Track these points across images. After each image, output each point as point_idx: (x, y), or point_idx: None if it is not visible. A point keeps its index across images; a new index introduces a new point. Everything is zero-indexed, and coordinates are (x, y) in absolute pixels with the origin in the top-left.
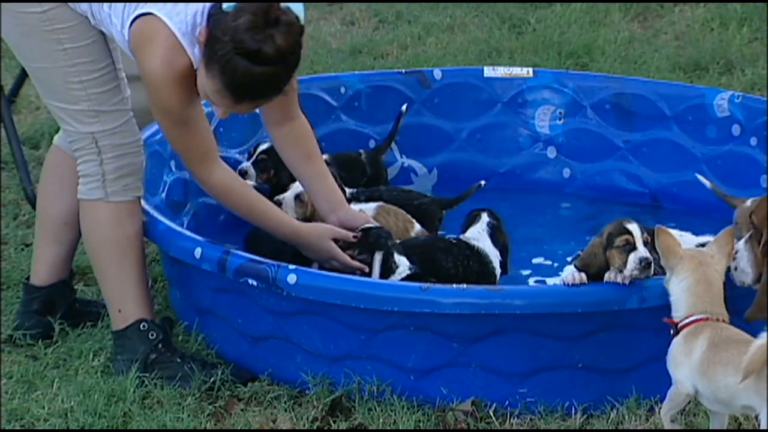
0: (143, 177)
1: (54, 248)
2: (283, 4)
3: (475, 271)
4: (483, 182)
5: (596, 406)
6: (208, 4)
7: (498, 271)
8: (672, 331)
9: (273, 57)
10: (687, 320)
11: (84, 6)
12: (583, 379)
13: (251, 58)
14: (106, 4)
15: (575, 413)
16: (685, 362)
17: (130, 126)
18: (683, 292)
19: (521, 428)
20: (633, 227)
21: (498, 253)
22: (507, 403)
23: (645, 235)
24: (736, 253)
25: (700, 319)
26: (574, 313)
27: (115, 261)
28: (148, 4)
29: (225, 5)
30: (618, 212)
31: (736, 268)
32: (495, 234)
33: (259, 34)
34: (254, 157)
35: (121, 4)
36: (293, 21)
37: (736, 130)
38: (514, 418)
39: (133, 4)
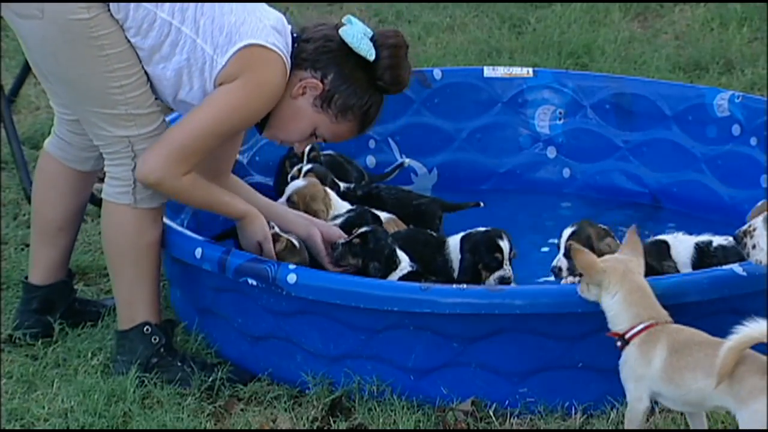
0: None
1: (50, 252)
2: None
3: (439, 263)
4: (482, 203)
5: (596, 406)
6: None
7: (455, 272)
8: (619, 344)
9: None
10: (635, 329)
11: (129, 19)
12: (583, 379)
13: (388, 91)
14: (189, 31)
15: (575, 413)
16: (646, 373)
17: (163, 129)
18: (620, 305)
19: (521, 428)
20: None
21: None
22: (507, 403)
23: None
24: (754, 230)
25: (650, 326)
26: (574, 313)
27: (133, 266)
28: (258, 33)
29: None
30: (618, 212)
31: (754, 246)
32: (466, 240)
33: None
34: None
35: (216, 32)
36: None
37: (736, 130)
38: (514, 418)
39: (236, 33)
